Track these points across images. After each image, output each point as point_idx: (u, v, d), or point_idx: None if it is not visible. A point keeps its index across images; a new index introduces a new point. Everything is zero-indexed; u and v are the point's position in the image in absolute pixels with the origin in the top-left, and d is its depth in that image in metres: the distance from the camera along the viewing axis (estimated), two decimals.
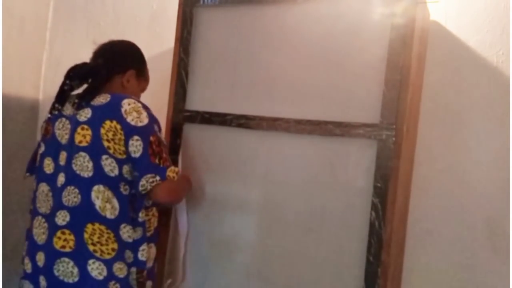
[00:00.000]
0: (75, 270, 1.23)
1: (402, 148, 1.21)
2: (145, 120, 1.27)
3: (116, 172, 1.25)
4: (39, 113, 2.07)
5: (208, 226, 1.43)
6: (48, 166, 1.33)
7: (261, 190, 1.36)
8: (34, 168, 1.41)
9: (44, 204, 1.32)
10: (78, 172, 1.26)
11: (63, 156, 1.30)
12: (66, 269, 1.24)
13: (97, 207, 1.24)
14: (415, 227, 1.43)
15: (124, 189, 1.27)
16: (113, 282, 1.24)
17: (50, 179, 1.32)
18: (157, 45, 1.81)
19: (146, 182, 1.24)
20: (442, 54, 1.42)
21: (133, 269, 1.29)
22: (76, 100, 1.31)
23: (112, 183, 1.25)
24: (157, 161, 1.25)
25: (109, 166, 1.25)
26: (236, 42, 1.41)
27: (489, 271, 1.35)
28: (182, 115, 1.47)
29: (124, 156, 1.25)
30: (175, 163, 1.39)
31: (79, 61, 1.40)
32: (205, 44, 1.46)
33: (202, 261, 1.44)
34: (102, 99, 1.29)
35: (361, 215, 1.22)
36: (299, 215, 1.30)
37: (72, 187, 1.26)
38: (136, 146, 1.24)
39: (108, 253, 1.24)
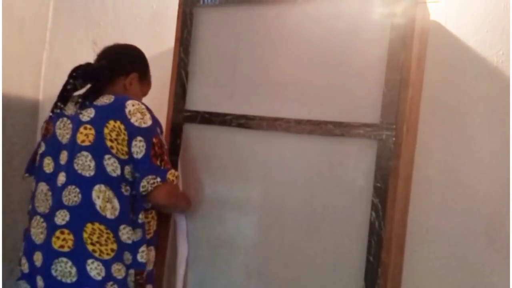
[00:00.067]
0: (73, 270, 1.23)
1: (402, 148, 1.21)
2: (148, 122, 1.28)
3: (118, 172, 1.25)
4: (39, 113, 2.07)
5: (208, 226, 1.43)
6: (48, 165, 1.33)
7: (261, 190, 1.36)
8: (33, 168, 1.41)
9: (43, 203, 1.31)
10: (79, 171, 1.26)
11: (63, 155, 1.30)
12: (64, 269, 1.23)
13: (97, 206, 1.24)
14: (415, 227, 1.42)
15: (125, 190, 1.27)
16: (111, 283, 1.24)
17: (50, 179, 1.32)
18: (157, 45, 1.81)
19: (147, 183, 1.24)
20: (442, 54, 1.42)
21: (132, 271, 1.29)
22: (80, 100, 1.31)
23: (113, 183, 1.25)
24: (158, 162, 1.26)
25: (112, 166, 1.25)
26: (236, 42, 1.41)
27: (489, 270, 1.35)
28: (182, 115, 1.47)
29: (127, 157, 1.25)
30: (174, 166, 1.39)
31: (79, 61, 1.40)
32: (205, 44, 1.46)
33: (202, 261, 1.44)
34: (105, 99, 1.30)
35: (361, 215, 1.22)
36: (299, 215, 1.30)
37: (73, 187, 1.26)
38: (139, 147, 1.25)
39: (107, 254, 1.24)
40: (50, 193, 1.31)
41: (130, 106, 1.28)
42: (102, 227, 1.24)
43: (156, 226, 1.39)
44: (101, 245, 1.24)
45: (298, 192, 1.30)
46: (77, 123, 1.30)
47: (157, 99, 1.52)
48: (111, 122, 1.25)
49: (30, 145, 1.97)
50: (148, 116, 1.29)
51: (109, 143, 1.24)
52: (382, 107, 1.20)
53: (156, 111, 1.35)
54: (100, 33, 1.98)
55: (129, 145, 1.25)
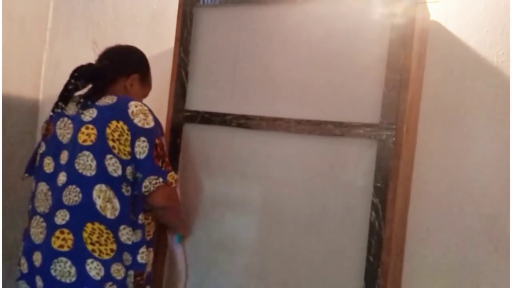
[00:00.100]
0: (73, 270, 1.23)
1: (402, 148, 1.21)
2: (151, 123, 1.29)
3: (119, 172, 1.25)
4: (39, 113, 2.07)
5: (208, 226, 1.43)
6: (48, 165, 1.33)
7: (261, 190, 1.36)
8: (33, 168, 1.41)
9: (43, 203, 1.31)
10: (80, 171, 1.26)
11: (64, 155, 1.30)
12: (64, 269, 1.23)
13: (97, 206, 1.24)
14: (415, 227, 1.42)
15: (126, 190, 1.27)
16: (110, 283, 1.24)
17: (50, 179, 1.31)
18: (157, 45, 1.81)
19: (149, 183, 1.25)
20: (442, 54, 1.42)
21: (131, 272, 1.28)
22: (81, 100, 1.32)
23: (114, 183, 1.25)
24: (160, 163, 1.27)
25: (113, 166, 1.25)
26: (236, 42, 1.41)
27: (489, 270, 1.35)
28: (182, 115, 1.47)
29: (129, 157, 1.25)
30: (174, 168, 1.39)
31: (79, 61, 1.40)
32: (205, 44, 1.46)
33: (202, 261, 1.44)
34: (108, 100, 1.30)
35: (361, 215, 1.22)
36: (299, 215, 1.30)
37: (74, 186, 1.26)
38: (142, 148, 1.25)
39: (107, 254, 1.24)
40: (50, 193, 1.31)
41: (133, 107, 1.28)
42: (102, 227, 1.24)
43: (155, 228, 1.38)
44: (100, 245, 1.24)
45: (298, 192, 1.30)
46: (78, 123, 1.30)
47: (157, 99, 1.52)
48: (114, 122, 1.26)
49: (30, 145, 1.98)
50: (150, 117, 1.30)
51: (111, 143, 1.25)
52: (382, 107, 1.20)
53: (156, 111, 1.35)
54: (100, 33, 1.98)
55: (132, 146, 1.25)
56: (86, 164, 1.25)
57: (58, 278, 1.23)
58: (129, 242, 1.27)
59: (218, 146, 1.42)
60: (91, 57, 1.46)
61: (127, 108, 1.28)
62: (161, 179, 1.25)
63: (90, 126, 1.27)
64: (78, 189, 1.25)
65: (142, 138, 1.26)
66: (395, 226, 1.21)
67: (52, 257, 1.24)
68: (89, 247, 1.23)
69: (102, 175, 1.25)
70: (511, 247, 1.33)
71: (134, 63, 1.44)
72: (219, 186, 1.42)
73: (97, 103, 1.30)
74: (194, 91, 1.47)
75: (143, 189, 1.25)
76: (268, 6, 1.36)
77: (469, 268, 1.37)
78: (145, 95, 1.49)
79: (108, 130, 1.25)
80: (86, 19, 2.03)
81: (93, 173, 1.25)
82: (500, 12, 1.37)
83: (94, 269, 1.23)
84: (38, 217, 1.32)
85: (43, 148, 1.37)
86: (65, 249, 1.24)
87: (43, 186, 1.33)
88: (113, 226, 1.25)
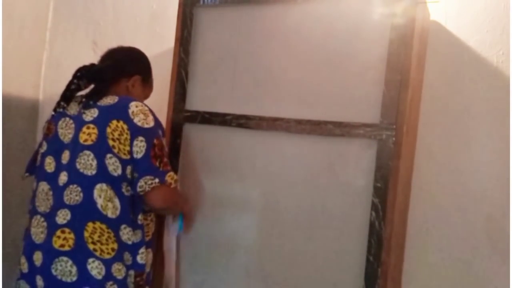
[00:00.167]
0: (74, 269, 1.23)
1: (402, 148, 1.21)
2: (151, 123, 1.29)
3: (119, 171, 1.25)
4: (39, 113, 2.07)
5: (208, 226, 1.43)
6: (49, 165, 1.33)
7: (261, 190, 1.36)
8: (33, 168, 1.41)
9: (44, 203, 1.31)
10: (81, 170, 1.26)
11: (65, 155, 1.30)
12: (65, 268, 1.23)
13: (98, 205, 1.24)
14: (415, 227, 1.42)
15: (126, 190, 1.27)
16: (110, 282, 1.24)
17: (51, 178, 1.32)
18: (157, 45, 1.81)
19: (144, 183, 1.25)
20: (442, 54, 1.42)
21: (131, 272, 1.28)
22: (83, 100, 1.32)
23: (114, 183, 1.26)
24: (157, 164, 1.26)
25: (113, 165, 1.25)
26: (236, 42, 1.41)
27: (490, 270, 1.35)
28: (182, 115, 1.47)
29: (129, 157, 1.26)
30: (174, 169, 1.39)
31: (79, 61, 1.41)
32: (205, 44, 1.46)
33: (202, 261, 1.44)
34: (109, 100, 1.31)
35: (361, 215, 1.22)
36: (299, 215, 1.30)
37: (75, 186, 1.26)
38: (139, 147, 1.25)
39: (108, 253, 1.24)
40: (51, 192, 1.31)
41: (134, 107, 1.28)
42: (103, 226, 1.24)
43: (154, 228, 1.39)
44: (102, 244, 1.24)
45: (298, 192, 1.30)
46: (80, 122, 1.30)
47: (157, 99, 1.52)
48: (114, 122, 1.26)
49: (30, 145, 1.97)
50: (151, 117, 1.30)
51: (111, 142, 1.25)
52: (382, 107, 1.20)
53: (156, 111, 1.35)
54: (100, 33, 1.98)
55: (131, 145, 1.25)
56: (87, 163, 1.25)
57: (59, 277, 1.24)
58: (130, 242, 1.27)
59: (218, 146, 1.42)
60: (91, 57, 1.46)
61: (128, 108, 1.28)
62: (157, 180, 1.25)
63: (91, 125, 1.27)
64: (79, 189, 1.25)
65: (140, 138, 1.26)
66: (395, 226, 1.21)
67: (53, 256, 1.24)
68: (90, 247, 1.23)
69: (103, 175, 1.25)
70: (511, 247, 1.33)
71: (136, 65, 1.44)
72: (219, 186, 1.42)
73: (98, 103, 1.30)
74: (194, 91, 1.47)
75: (138, 189, 1.25)
76: (268, 6, 1.36)
77: (469, 268, 1.37)
78: (146, 96, 1.49)
79: (108, 130, 1.25)
80: (86, 19, 2.03)
81: (94, 172, 1.25)
82: (500, 12, 1.37)
83: (95, 268, 1.23)
84: (38, 216, 1.32)
85: (44, 147, 1.37)
86: (66, 248, 1.24)
87: (44, 186, 1.33)
88: (114, 225, 1.25)
